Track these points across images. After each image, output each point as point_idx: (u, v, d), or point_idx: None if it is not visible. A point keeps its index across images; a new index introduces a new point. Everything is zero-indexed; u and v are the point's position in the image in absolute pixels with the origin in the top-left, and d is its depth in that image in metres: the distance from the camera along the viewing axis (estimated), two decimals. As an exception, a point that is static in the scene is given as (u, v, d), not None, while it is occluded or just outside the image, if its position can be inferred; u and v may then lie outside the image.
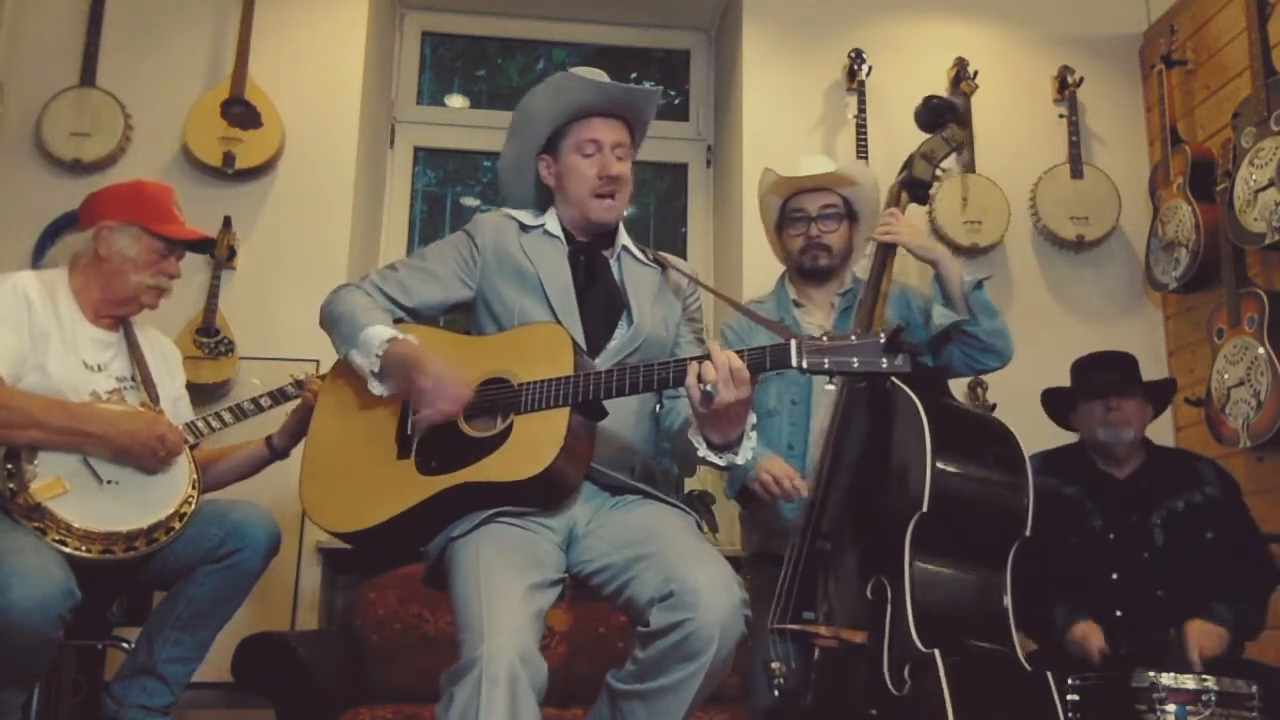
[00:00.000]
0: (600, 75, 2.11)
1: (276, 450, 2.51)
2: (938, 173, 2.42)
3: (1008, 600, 1.97)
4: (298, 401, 2.50)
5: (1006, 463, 2.03)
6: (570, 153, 2.10)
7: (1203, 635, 2.37)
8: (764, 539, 2.54)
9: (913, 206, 2.48)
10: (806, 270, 2.64)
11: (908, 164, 2.44)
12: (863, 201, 2.67)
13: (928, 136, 2.44)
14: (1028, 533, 2.00)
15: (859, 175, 2.66)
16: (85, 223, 2.35)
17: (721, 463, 1.86)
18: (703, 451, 1.86)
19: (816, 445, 2.44)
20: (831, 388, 2.45)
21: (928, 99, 2.47)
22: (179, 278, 2.41)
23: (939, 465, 1.92)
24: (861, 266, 2.82)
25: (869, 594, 1.95)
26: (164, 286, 2.37)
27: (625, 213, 2.20)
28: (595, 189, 2.07)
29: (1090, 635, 2.42)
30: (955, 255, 3.55)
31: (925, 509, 1.90)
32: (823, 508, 2.15)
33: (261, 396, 2.52)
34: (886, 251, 2.38)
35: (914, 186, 2.42)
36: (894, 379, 2.04)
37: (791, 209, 2.65)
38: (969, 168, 3.58)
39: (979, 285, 2.43)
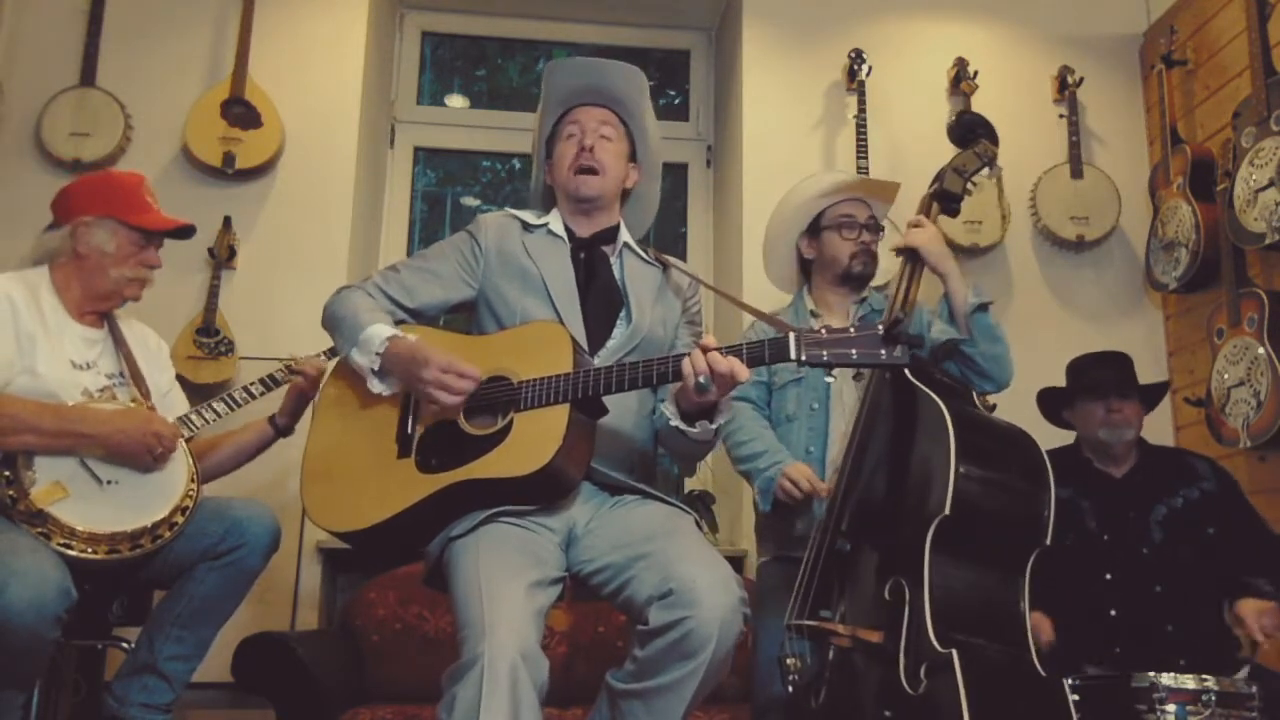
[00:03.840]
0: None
1: (280, 429, 2.52)
2: (969, 186, 2.46)
3: (1024, 606, 1.98)
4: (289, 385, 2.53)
5: (1029, 472, 2.04)
6: (558, 143, 2.16)
7: (1259, 613, 2.36)
8: (778, 545, 2.55)
9: (941, 218, 2.52)
10: (855, 275, 2.66)
11: (939, 176, 2.49)
12: (882, 217, 2.76)
13: (960, 151, 2.48)
14: (1048, 541, 2.00)
15: (895, 193, 2.76)
16: (60, 219, 2.33)
17: (695, 430, 1.88)
18: (675, 421, 1.88)
19: (835, 449, 2.46)
20: (831, 379, 2.47)
21: (960, 114, 2.56)
22: (160, 267, 2.39)
23: (962, 470, 1.92)
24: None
25: (886, 594, 1.95)
26: (145, 278, 2.35)
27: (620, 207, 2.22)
28: (573, 164, 2.11)
29: (1039, 626, 2.43)
30: (955, 255, 3.56)
31: (948, 512, 1.90)
32: (843, 507, 2.16)
33: (253, 384, 2.53)
34: (915, 260, 2.40)
35: (945, 199, 2.46)
36: (917, 382, 2.06)
37: (840, 215, 2.67)
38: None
39: (983, 308, 2.43)
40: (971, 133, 2.48)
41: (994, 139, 2.49)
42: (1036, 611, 2.45)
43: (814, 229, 2.72)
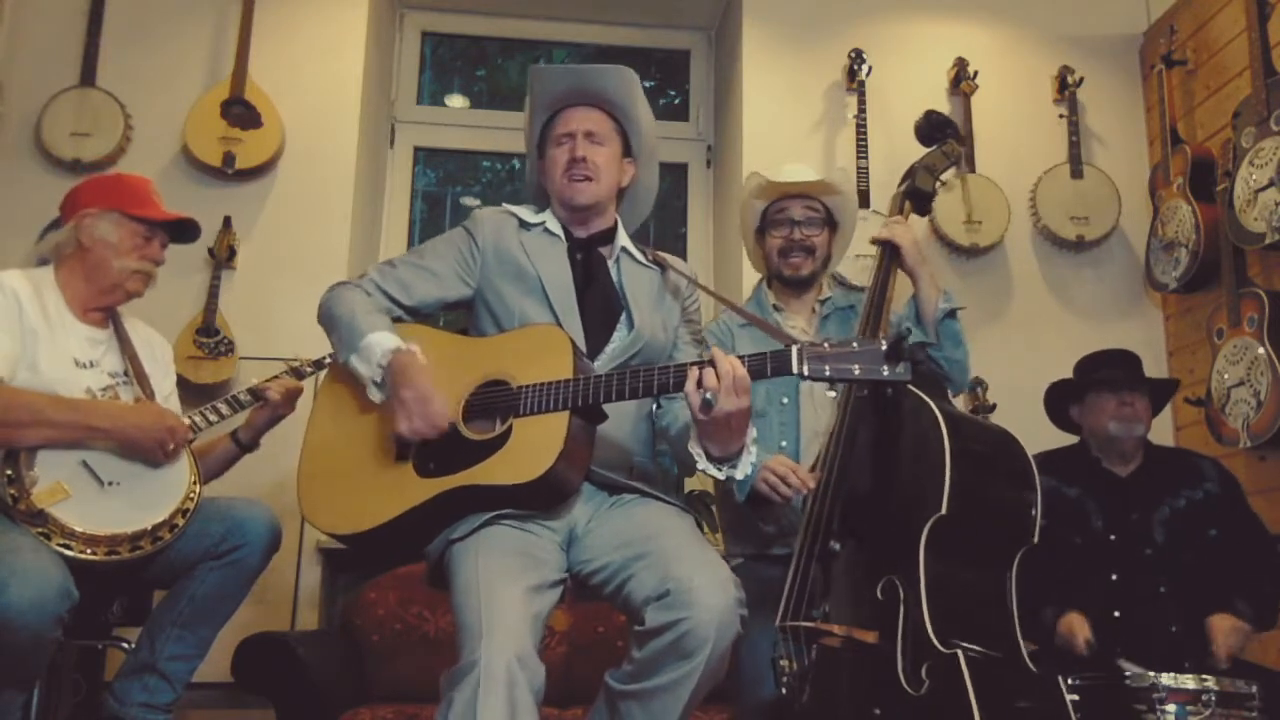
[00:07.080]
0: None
1: (244, 445, 2.53)
2: (938, 185, 2.45)
3: (1013, 604, 1.99)
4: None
5: (1018, 473, 2.06)
6: (550, 148, 2.14)
7: (1229, 633, 2.37)
8: (761, 545, 2.54)
9: (914, 217, 2.51)
10: (786, 277, 2.64)
11: (909, 175, 2.48)
12: (843, 211, 2.68)
13: (928, 150, 2.46)
14: (1035, 540, 2.01)
15: (844, 185, 2.68)
16: (66, 217, 2.35)
17: (721, 475, 1.86)
18: (702, 464, 1.86)
19: (809, 443, 2.46)
20: (833, 394, 2.45)
21: (928, 113, 2.53)
22: (163, 263, 2.40)
23: (958, 470, 1.93)
24: (847, 268, 2.83)
25: (880, 594, 1.96)
26: (149, 271, 2.36)
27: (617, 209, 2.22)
28: (566, 172, 2.09)
29: (1075, 627, 2.43)
30: (955, 256, 3.58)
31: (944, 511, 1.90)
32: (832, 506, 2.15)
33: (257, 386, 2.52)
34: (891, 257, 2.39)
35: (916, 197, 2.46)
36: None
37: (775, 212, 2.66)
38: (969, 168, 3.59)
39: (952, 314, 2.43)
40: (940, 131, 2.50)
41: (960, 138, 2.50)
42: (1072, 613, 2.45)
43: (760, 229, 2.71)
